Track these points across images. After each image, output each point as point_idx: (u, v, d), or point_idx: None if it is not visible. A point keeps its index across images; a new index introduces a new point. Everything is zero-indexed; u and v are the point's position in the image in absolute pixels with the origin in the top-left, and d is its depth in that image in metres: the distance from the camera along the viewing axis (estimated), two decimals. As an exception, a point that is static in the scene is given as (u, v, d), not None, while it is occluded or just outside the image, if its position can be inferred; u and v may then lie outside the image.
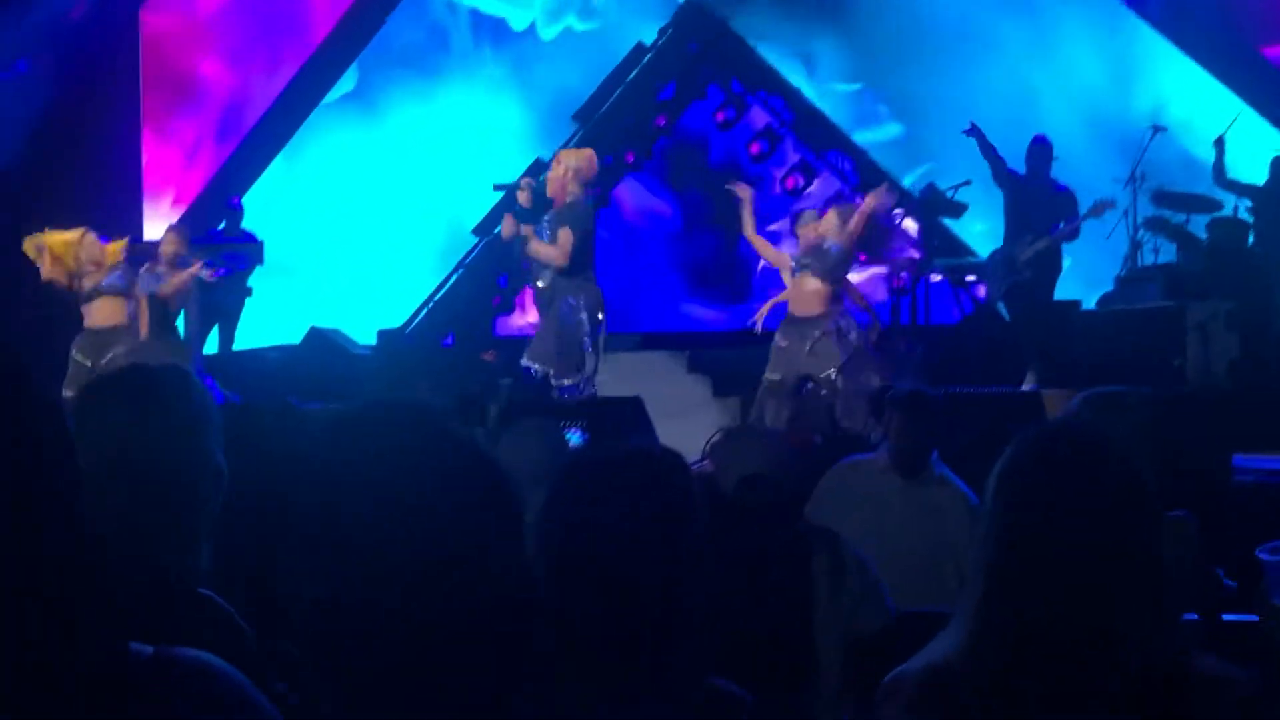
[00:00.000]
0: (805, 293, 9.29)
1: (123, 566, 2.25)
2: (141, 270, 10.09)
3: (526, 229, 8.99)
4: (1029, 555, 2.10)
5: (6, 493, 1.30)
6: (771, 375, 9.39)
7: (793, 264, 9.44)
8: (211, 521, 2.44)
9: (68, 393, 9.54)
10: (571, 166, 9.06)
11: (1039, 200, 10.30)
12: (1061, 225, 10.27)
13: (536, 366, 9.11)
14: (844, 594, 4.04)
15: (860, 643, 4.05)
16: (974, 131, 10.65)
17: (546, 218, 9.01)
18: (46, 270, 9.86)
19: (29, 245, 9.96)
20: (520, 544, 1.49)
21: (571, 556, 2.10)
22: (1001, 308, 10.81)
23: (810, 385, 9.32)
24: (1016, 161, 10.56)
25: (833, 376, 9.23)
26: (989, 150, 10.60)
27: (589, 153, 9.31)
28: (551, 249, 8.86)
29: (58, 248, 9.88)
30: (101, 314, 9.87)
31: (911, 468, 5.67)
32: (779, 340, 9.43)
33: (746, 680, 2.27)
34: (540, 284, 9.11)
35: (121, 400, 2.42)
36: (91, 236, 9.98)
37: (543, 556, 2.10)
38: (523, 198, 9.17)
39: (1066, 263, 10.67)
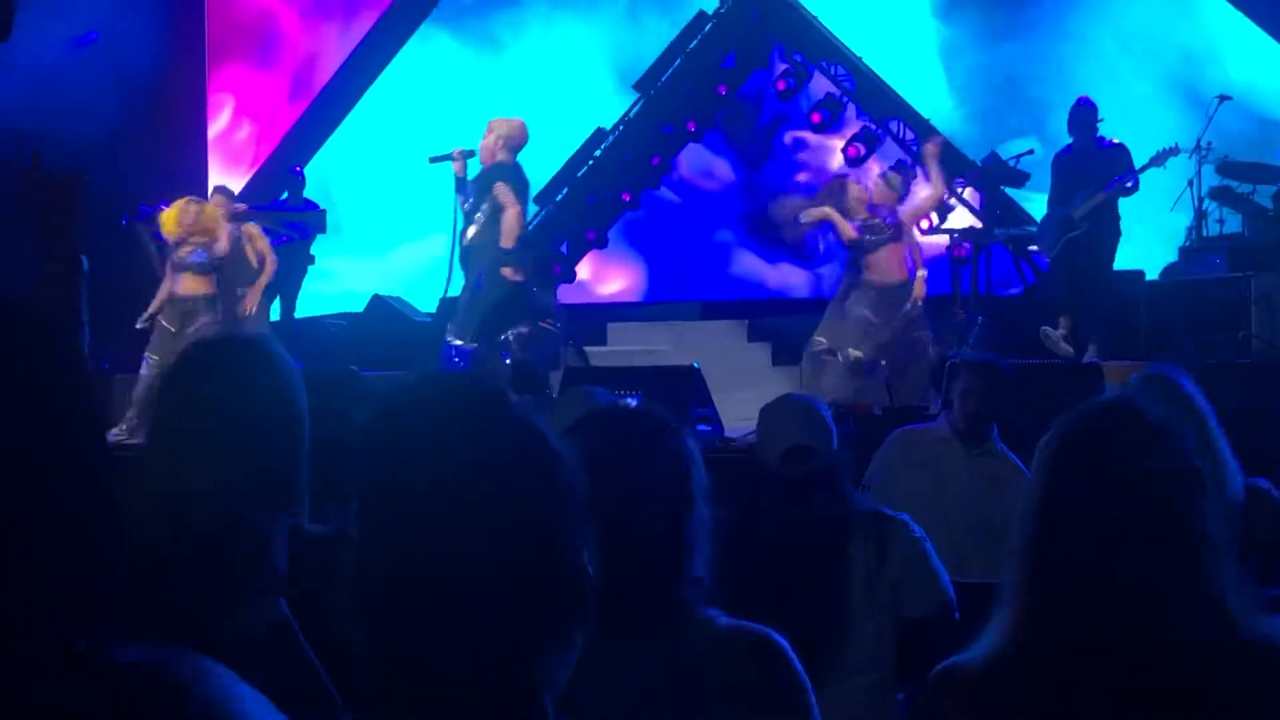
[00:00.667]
0: (883, 260, 9.42)
1: (222, 526, 2.32)
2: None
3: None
4: (1071, 531, 2.10)
5: (25, 442, 1.29)
6: (856, 350, 9.47)
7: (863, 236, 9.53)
8: (305, 481, 2.50)
9: (153, 357, 9.82)
10: (502, 135, 9.25)
11: (1090, 161, 10.17)
12: (1118, 180, 10.11)
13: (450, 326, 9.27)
14: (887, 575, 3.95)
15: (912, 625, 3.97)
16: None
17: (473, 179, 9.22)
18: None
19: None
20: (575, 522, 1.49)
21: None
22: (1056, 270, 10.61)
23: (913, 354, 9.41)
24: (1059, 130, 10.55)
25: (928, 346, 9.36)
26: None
27: (519, 121, 9.44)
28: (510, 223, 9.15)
29: (166, 221, 10.35)
30: (188, 285, 10.29)
31: (975, 435, 5.64)
32: (865, 313, 9.49)
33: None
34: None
35: (223, 365, 2.49)
36: (192, 204, 10.38)
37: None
38: (457, 168, 9.25)
39: (1132, 230, 10.55)
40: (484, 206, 9.14)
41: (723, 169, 14.73)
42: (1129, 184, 10.10)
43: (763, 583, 2.39)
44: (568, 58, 14.67)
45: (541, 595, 1.45)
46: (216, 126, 15.02)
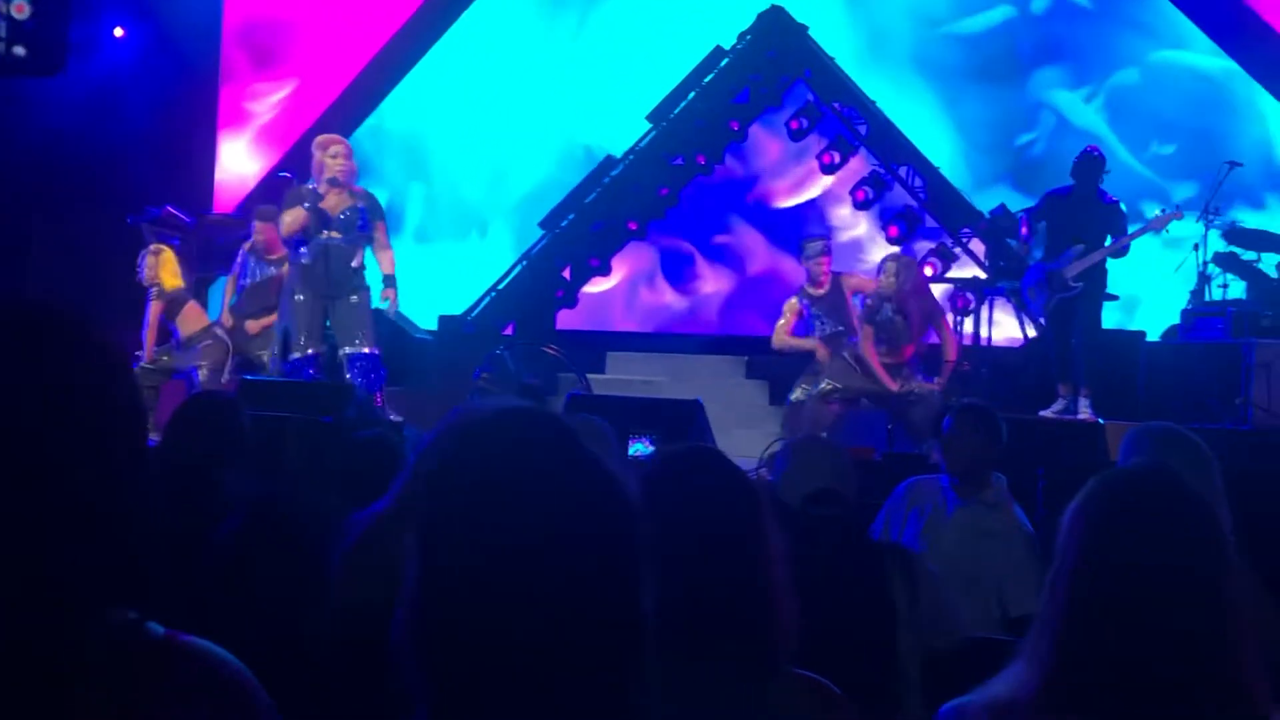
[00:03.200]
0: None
1: None
2: (245, 255, 10.35)
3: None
4: (1106, 599, 2.10)
5: (71, 442, 1.38)
6: (832, 383, 9.54)
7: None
8: None
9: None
10: (345, 154, 9.19)
11: (1087, 213, 10.03)
12: (1110, 240, 9.97)
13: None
14: (920, 610, 3.96)
15: (935, 661, 3.98)
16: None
17: (361, 206, 9.13)
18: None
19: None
20: (636, 564, 1.49)
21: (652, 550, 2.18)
22: (1049, 330, 10.57)
23: (912, 395, 9.47)
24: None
25: (929, 393, 9.42)
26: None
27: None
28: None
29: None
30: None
31: (969, 482, 5.61)
32: (845, 354, 9.61)
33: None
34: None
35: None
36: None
37: None
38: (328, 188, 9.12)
39: (1135, 294, 10.56)
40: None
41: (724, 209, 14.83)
42: (1120, 247, 9.94)
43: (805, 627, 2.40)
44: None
45: (610, 634, 1.45)
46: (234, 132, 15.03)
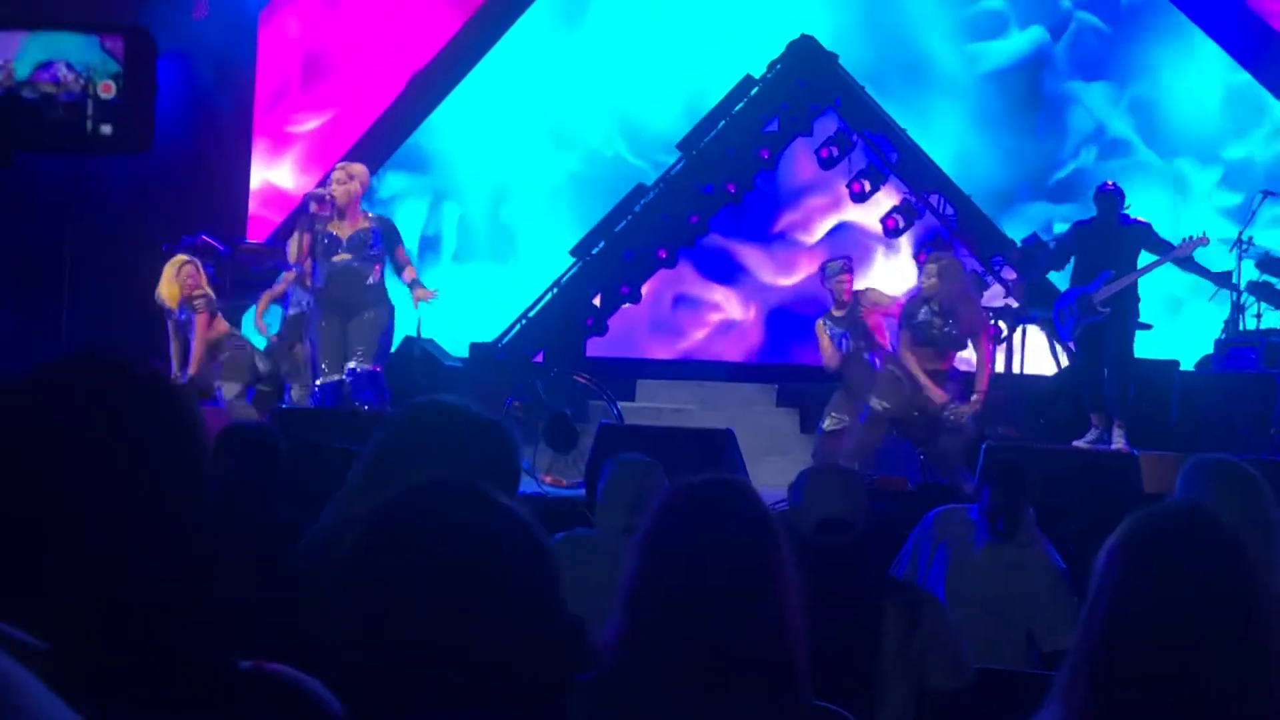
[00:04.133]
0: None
1: None
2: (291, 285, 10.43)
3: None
4: (1141, 639, 2.09)
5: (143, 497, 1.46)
6: (881, 402, 9.38)
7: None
8: None
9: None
10: (363, 181, 9.30)
11: (1112, 240, 9.98)
12: (1143, 267, 9.92)
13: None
14: (915, 647, 3.97)
15: (934, 699, 4.00)
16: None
17: (374, 229, 9.20)
18: None
19: None
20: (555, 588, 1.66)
21: (669, 582, 2.19)
22: (1079, 355, 10.49)
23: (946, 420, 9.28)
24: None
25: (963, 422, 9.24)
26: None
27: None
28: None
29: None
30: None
31: (1007, 531, 5.62)
32: (890, 366, 9.45)
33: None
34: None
35: None
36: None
37: (643, 582, 2.18)
38: (319, 207, 9.18)
39: (1168, 319, 10.50)
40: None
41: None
42: (1149, 268, 9.87)
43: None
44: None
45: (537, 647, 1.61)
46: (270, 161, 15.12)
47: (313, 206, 9.13)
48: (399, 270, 9.28)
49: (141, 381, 1.51)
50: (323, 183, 9.45)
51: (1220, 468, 4.02)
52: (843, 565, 3.97)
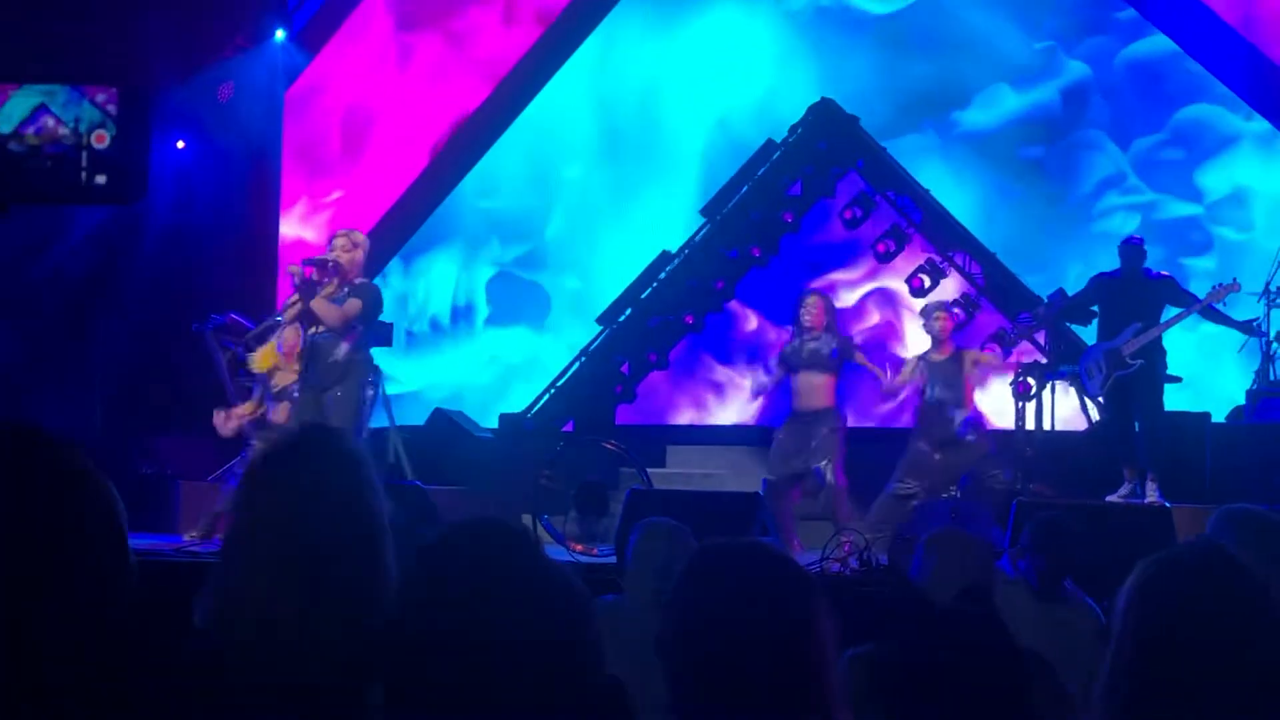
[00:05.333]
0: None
1: None
2: None
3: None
4: (1158, 680, 2.08)
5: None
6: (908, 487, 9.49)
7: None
8: None
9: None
10: (365, 249, 9.27)
11: (1138, 292, 9.99)
12: (1172, 317, 9.91)
13: None
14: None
15: None
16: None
17: (345, 292, 9.07)
18: None
19: None
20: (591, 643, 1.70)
21: (699, 643, 2.17)
22: (1108, 409, 10.45)
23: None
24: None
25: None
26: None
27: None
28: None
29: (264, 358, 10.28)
30: (283, 414, 10.15)
31: (1048, 591, 5.59)
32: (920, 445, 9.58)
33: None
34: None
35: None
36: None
37: (674, 643, 2.17)
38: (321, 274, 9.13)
39: (1199, 371, 10.44)
40: None
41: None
42: (1176, 319, 9.87)
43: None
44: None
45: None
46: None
47: (313, 273, 9.06)
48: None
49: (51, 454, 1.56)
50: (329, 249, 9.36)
51: (1243, 515, 4.00)
52: (981, 638, 3.81)
